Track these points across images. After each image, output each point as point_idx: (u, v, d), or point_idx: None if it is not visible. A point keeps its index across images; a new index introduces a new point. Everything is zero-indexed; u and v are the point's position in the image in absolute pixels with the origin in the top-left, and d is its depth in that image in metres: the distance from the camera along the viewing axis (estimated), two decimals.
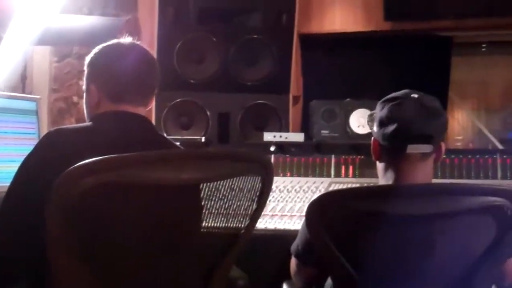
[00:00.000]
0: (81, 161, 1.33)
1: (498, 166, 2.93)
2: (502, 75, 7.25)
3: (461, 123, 8.65)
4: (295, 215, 2.52)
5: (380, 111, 1.78)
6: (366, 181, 2.91)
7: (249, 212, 1.69)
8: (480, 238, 1.54)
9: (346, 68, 4.91)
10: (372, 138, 1.83)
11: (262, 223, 2.44)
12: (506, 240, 1.53)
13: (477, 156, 2.98)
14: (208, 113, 4.29)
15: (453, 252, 1.54)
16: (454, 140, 8.00)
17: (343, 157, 3.04)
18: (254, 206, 1.69)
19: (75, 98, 4.75)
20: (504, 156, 2.95)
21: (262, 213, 2.46)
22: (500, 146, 4.47)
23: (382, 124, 1.75)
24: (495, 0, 4.75)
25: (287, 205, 2.63)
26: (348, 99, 3.60)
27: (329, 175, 3.03)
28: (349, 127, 3.29)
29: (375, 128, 1.80)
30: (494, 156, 2.96)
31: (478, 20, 4.88)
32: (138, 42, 2.03)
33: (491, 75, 6.85)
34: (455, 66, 5.14)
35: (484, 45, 5.83)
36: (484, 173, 2.94)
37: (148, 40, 4.15)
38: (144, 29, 4.50)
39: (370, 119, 1.88)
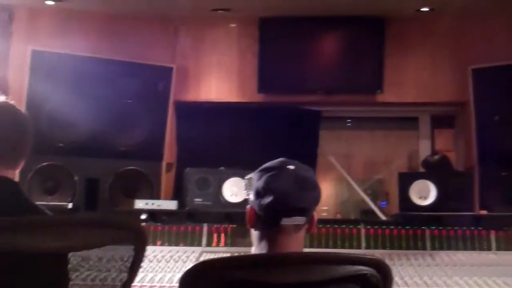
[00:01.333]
0: None
1: (362, 236, 3.06)
2: (364, 149, 7.73)
3: (327, 194, 9.02)
4: (164, 286, 2.45)
5: (257, 181, 1.79)
6: (237, 250, 2.91)
7: (119, 283, 1.61)
8: None
9: (221, 137, 4.97)
10: (249, 206, 1.84)
11: None
12: None
13: (343, 226, 3.10)
14: (76, 178, 4.14)
15: None
16: (321, 210, 8.31)
17: (216, 225, 3.04)
18: (125, 276, 1.62)
19: None
20: (368, 227, 3.09)
21: None
22: (383, 217, 4.66)
23: (259, 194, 1.76)
24: (359, 78, 5.10)
25: (157, 276, 2.56)
26: (222, 167, 3.64)
27: (200, 244, 3.00)
28: (222, 196, 3.31)
29: (251, 197, 1.81)
30: (358, 226, 3.09)
31: (343, 96, 5.19)
32: (12, 102, 1.94)
33: (355, 148, 7.27)
34: (322, 138, 5.37)
35: (349, 120, 6.17)
36: (349, 242, 3.05)
37: (16, 100, 3.96)
38: (13, 88, 4.32)
39: (248, 184, 1.88)
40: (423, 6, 4.86)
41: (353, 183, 6.01)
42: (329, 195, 9.11)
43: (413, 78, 5.09)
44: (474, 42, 4.99)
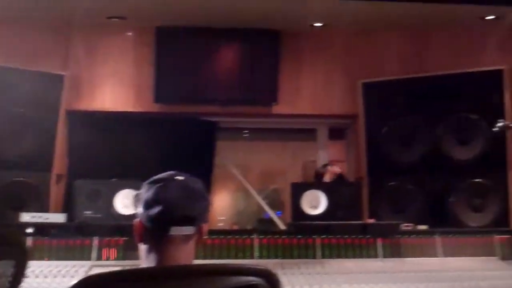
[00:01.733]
0: None
1: (255, 246, 3.09)
2: (261, 160, 7.85)
3: (224, 204, 9.05)
4: None
5: (145, 192, 1.78)
6: (129, 264, 2.85)
7: None
8: None
9: (114, 147, 4.86)
10: (137, 219, 1.81)
11: None
12: None
13: (236, 236, 3.11)
14: None
15: None
16: (218, 221, 8.32)
17: (107, 238, 2.95)
18: None
19: None
20: (261, 236, 3.12)
21: None
22: (282, 226, 4.69)
23: (147, 206, 1.75)
24: (255, 90, 5.18)
25: None
26: (114, 179, 3.54)
27: (90, 258, 2.91)
28: (114, 208, 3.22)
29: (140, 209, 1.79)
30: (252, 236, 3.12)
31: (241, 108, 5.25)
32: None
33: (252, 159, 7.36)
34: (219, 149, 5.39)
35: (246, 131, 6.24)
36: (243, 252, 3.07)
37: None
38: None
39: (136, 199, 1.87)
40: (317, 22, 5.03)
41: (254, 192, 6.08)
42: (226, 205, 9.15)
43: (307, 91, 5.25)
44: (364, 57, 5.22)
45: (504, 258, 3.23)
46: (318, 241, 3.15)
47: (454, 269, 2.99)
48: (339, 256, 3.15)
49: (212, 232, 3.11)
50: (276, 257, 3.09)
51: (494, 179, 4.56)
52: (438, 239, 3.27)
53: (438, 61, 5.01)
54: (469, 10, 4.66)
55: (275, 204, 6.90)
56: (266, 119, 5.55)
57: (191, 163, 4.59)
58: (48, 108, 4.48)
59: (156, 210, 1.72)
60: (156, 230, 1.75)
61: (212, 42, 5.15)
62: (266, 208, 5.95)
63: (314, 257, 3.11)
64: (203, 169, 4.97)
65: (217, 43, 5.17)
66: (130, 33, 5.11)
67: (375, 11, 4.74)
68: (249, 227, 7.09)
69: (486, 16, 4.79)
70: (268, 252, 3.10)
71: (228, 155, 5.78)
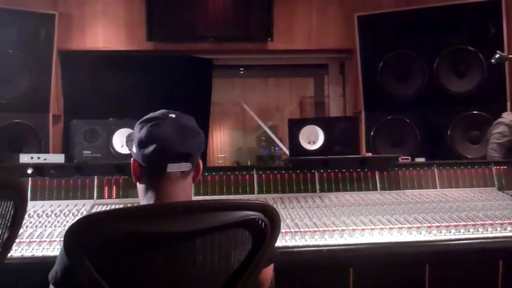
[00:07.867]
0: None
1: (255, 181, 3.12)
2: (257, 97, 7.83)
3: (224, 142, 9.09)
4: (55, 241, 2.38)
5: (139, 131, 1.77)
6: (130, 201, 2.88)
7: (0, 240, 1.55)
8: (238, 251, 1.61)
9: (109, 87, 4.84)
10: (132, 159, 1.82)
11: (18, 251, 2.27)
12: (261, 251, 1.62)
13: (236, 172, 3.13)
14: None
15: (213, 266, 1.58)
16: (217, 158, 8.38)
17: (106, 177, 2.97)
18: (6, 234, 1.55)
19: None
20: (260, 172, 3.14)
21: (19, 240, 2.30)
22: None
23: (142, 145, 1.75)
24: (250, 26, 5.10)
25: (46, 231, 2.48)
26: (111, 118, 3.52)
27: (91, 197, 2.94)
28: (112, 147, 3.22)
29: (134, 149, 1.79)
30: (251, 172, 3.14)
31: (236, 44, 5.19)
32: None
33: (248, 96, 7.34)
34: (215, 87, 5.36)
35: (242, 69, 6.20)
36: (243, 188, 3.10)
37: None
38: None
39: (129, 140, 1.87)
40: None
41: (263, 125, 6.15)
42: (225, 143, 9.19)
43: (302, 26, 5.17)
44: None
45: (501, 188, 3.26)
46: (316, 175, 3.18)
47: (452, 200, 3.02)
48: (337, 189, 3.18)
49: (212, 169, 3.13)
50: (276, 191, 3.12)
51: (491, 111, 4.56)
52: (435, 171, 3.30)
53: None
54: None
55: (273, 141, 6.94)
56: (261, 56, 5.50)
57: (187, 101, 4.58)
58: (41, 48, 4.42)
59: (150, 148, 1.72)
60: (152, 168, 1.76)
61: None
62: (276, 139, 6.05)
63: (313, 191, 3.14)
64: (200, 107, 4.96)
65: None
66: None
67: None
68: (249, 163, 7.17)
69: None
70: (267, 187, 3.13)
71: (225, 93, 5.78)
